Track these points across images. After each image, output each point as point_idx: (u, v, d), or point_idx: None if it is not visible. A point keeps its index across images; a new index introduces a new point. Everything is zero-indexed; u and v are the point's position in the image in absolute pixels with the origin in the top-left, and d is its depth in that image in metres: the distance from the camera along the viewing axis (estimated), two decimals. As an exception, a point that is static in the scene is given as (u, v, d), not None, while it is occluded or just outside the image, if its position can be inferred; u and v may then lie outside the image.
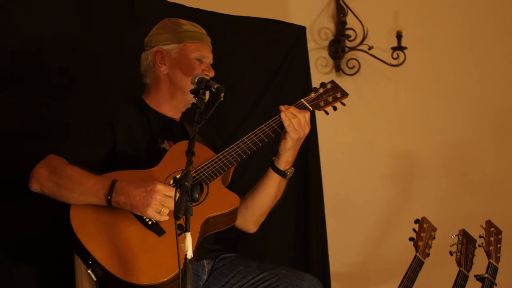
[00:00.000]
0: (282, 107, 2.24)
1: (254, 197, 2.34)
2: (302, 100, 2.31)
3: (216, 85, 2.07)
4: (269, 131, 2.24)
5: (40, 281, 2.51)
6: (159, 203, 1.93)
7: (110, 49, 2.84)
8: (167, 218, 1.96)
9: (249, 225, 2.40)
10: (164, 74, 2.34)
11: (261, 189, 2.33)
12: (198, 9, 3.11)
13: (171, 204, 1.93)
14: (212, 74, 2.34)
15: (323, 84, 2.37)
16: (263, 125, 2.26)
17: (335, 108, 2.35)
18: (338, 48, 3.73)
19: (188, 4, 3.07)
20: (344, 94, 2.35)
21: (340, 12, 3.73)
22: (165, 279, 1.88)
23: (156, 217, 1.95)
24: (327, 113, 2.35)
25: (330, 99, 2.33)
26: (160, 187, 1.94)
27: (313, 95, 2.33)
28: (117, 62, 2.83)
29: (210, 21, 3.13)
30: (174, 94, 2.34)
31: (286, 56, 3.46)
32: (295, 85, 3.47)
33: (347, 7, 3.74)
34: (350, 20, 3.73)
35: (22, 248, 2.49)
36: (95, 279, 1.93)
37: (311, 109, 2.30)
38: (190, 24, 2.39)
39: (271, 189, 2.31)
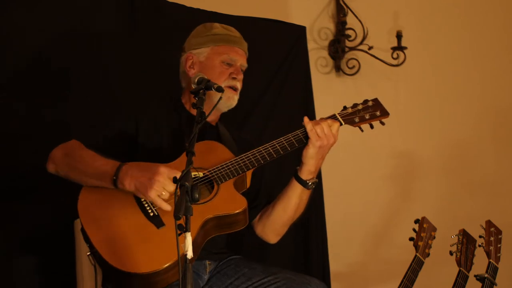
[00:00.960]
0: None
1: (275, 205, 2.32)
2: (336, 114, 2.27)
3: (216, 85, 2.06)
4: (293, 140, 2.20)
5: (40, 281, 2.51)
6: (161, 186, 1.93)
7: (110, 49, 2.84)
8: (168, 207, 1.94)
9: (269, 235, 2.39)
10: None
11: (283, 198, 2.30)
12: (198, 9, 3.11)
13: (171, 188, 1.93)
14: (240, 77, 2.32)
15: (365, 101, 2.31)
16: (289, 134, 2.21)
17: (371, 126, 2.29)
18: (338, 48, 3.73)
19: (188, 4, 3.07)
20: (385, 114, 2.29)
21: (340, 12, 3.73)
22: (156, 270, 1.88)
23: (157, 201, 1.94)
24: (361, 130, 2.29)
25: (367, 116, 2.27)
26: (163, 169, 1.95)
27: (350, 110, 2.28)
28: (117, 62, 2.84)
29: (210, 21, 3.12)
30: None
31: (286, 56, 3.46)
32: (295, 85, 3.47)
33: (347, 7, 3.74)
34: (350, 20, 3.73)
35: (22, 247, 2.49)
36: (93, 263, 1.95)
37: (343, 123, 2.26)
38: (222, 27, 2.38)
39: (292, 199, 2.28)
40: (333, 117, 2.26)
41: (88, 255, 1.97)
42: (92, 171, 2.04)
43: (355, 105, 2.30)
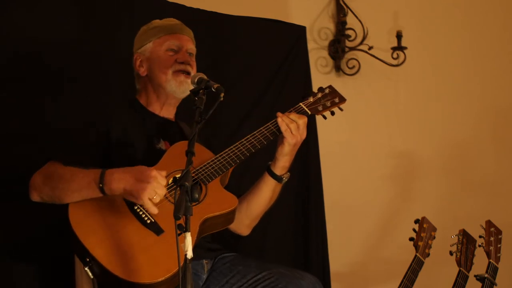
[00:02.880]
0: (279, 114, 2.24)
1: (248, 200, 2.34)
2: (301, 104, 2.32)
3: (216, 85, 2.06)
4: (267, 134, 2.24)
5: (40, 281, 2.51)
6: (153, 189, 1.93)
7: (110, 49, 2.84)
8: (156, 211, 1.94)
9: (242, 228, 2.41)
10: (145, 76, 2.37)
11: (256, 193, 2.33)
12: (198, 9, 3.11)
13: (161, 192, 1.94)
14: (188, 60, 2.33)
15: (321, 89, 2.37)
16: (262, 128, 2.26)
17: (332, 113, 2.37)
18: (338, 48, 3.73)
19: (188, 4, 3.08)
20: (342, 100, 2.36)
21: (340, 12, 3.73)
22: (163, 278, 1.89)
23: (148, 204, 1.93)
24: (325, 117, 2.36)
25: (328, 104, 2.34)
26: (155, 173, 1.95)
27: (311, 99, 2.34)
28: (117, 62, 2.83)
29: (210, 21, 3.13)
30: (158, 92, 2.36)
31: (286, 56, 3.46)
32: (295, 85, 3.47)
33: (347, 7, 3.73)
34: (350, 20, 3.73)
35: (22, 248, 2.48)
36: (92, 277, 1.93)
37: (310, 113, 2.30)
38: (160, 20, 2.42)
39: (266, 193, 2.31)
40: (299, 108, 2.30)
41: (86, 270, 1.94)
42: (75, 185, 2.02)
43: (314, 93, 2.36)
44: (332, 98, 2.35)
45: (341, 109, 2.37)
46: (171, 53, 2.34)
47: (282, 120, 2.22)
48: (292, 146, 2.23)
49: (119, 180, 1.97)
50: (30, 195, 2.13)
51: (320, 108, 2.33)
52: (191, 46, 2.40)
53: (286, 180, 2.31)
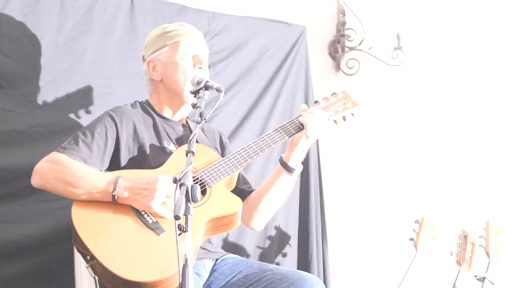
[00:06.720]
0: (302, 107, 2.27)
1: (262, 195, 2.33)
2: (312, 108, 2.31)
3: (216, 85, 2.07)
4: (277, 138, 2.23)
5: (40, 281, 2.50)
6: (163, 195, 1.97)
7: (110, 49, 2.83)
8: (170, 215, 1.96)
9: (257, 223, 2.40)
10: (159, 81, 2.37)
11: (271, 187, 2.31)
12: (198, 9, 3.11)
13: (171, 192, 1.96)
14: (204, 65, 2.33)
15: (334, 94, 2.36)
16: (270, 131, 2.26)
17: (344, 118, 2.35)
18: (338, 48, 3.73)
19: (188, 4, 3.08)
20: (355, 105, 2.34)
21: (340, 12, 3.74)
22: (162, 277, 1.89)
23: (161, 210, 1.97)
24: (336, 122, 2.34)
25: (340, 108, 2.33)
26: (163, 179, 1.98)
27: (323, 104, 2.33)
28: (117, 62, 2.83)
29: (210, 21, 3.14)
30: (171, 97, 2.36)
31: (286, 56, 3.46)
32: (295, 85, 3.47)
33: (347, 7, 3.73)
34: (350, 20, 3.73)
35: (22, 248, 2.48)
36: (93, 275, 1.94)
37: None
38: (174, 24, 2.40)
39: (281, 186, 2.31)
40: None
41: (87, 267, 1.95)
42: (88, 186, 2.03)
43: (326, 98, 2.35)
44: (345, 103, 2.34)
45: (353, 114, 2.36)
46: (188, 59, 2.32)
47: (306, 114, 2.23)
48: (312, 140, 2.24)
49: (131, 191, 2.00)
50: (33, 180, 2.12)
51: (331, 112, 2.32)
52: (205, 49, 2.39)
53: (298, 172, 2.30)
